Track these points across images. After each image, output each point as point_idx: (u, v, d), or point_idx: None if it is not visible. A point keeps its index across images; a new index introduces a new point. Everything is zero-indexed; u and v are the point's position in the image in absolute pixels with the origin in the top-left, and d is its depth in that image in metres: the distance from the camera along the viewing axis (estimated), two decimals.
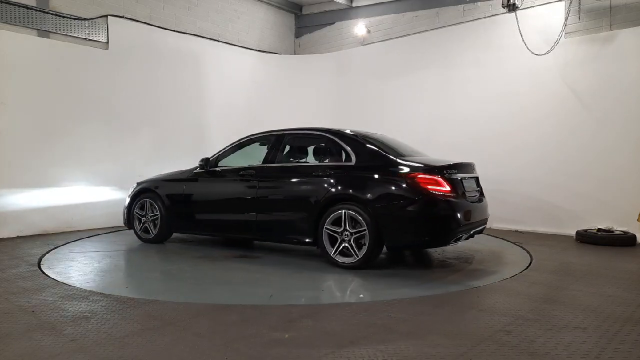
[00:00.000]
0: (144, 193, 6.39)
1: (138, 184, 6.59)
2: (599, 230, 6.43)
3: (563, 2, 7.07)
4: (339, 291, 4.31)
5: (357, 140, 5.20)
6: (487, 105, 7.88)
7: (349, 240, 4.80)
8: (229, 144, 6.06)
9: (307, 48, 10.85)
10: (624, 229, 6.40)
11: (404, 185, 4.65)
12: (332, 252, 4.90)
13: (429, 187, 4.60)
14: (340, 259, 4.87)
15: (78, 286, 4.21)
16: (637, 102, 6.50)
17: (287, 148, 5.73)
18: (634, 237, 6.19)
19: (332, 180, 4.99)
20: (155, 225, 6.28)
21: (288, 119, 8.31)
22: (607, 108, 6.76)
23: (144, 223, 6.36)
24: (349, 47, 10.01)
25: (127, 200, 6.55)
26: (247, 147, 6.00)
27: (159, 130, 8.53)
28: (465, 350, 2.76)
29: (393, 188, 4.70)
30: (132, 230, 6.57)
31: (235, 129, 9.08)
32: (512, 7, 7.12)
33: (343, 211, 4.82)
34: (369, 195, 4.74)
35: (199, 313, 3.48)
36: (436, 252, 5.75)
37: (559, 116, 7.17)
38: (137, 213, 6.40)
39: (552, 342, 2.89)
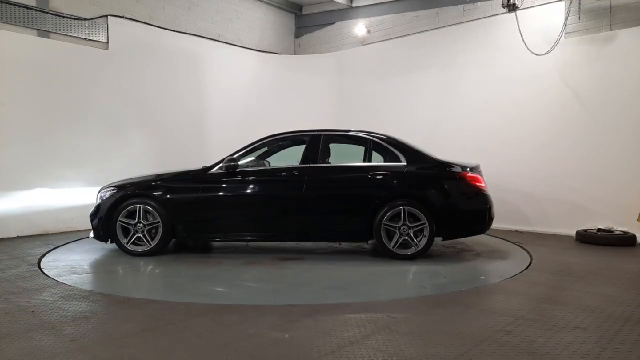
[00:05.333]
0: (132, 198, 5.48)
1: (117, 188, 5.60)
2: (599, 230, 6.43)
3: (563, 2, 7.06)
4: (456, 278, 4.54)
5: (402, 143, 5.62)
6: (487, 105, 7.88)
7: (408, 234, 5.22)
8: (248, 144, 5.76)
9: (307, 48, 10.84)
10: (624, 229, 6.40)
11: (458, 183, 5.33)
12: (391, 245, 5.25)
13: (477, 183, 5.33)
14: (399, 251, 5.26)
15: (78, 286, 4.21)
16: (637, 102, 6.50)
17: (327, 149, 5.73)
18: (634, 237, 6.19)
19: (388, 180, 5.36)
20: (152, 235, 5.45)
21: (288, 118, 8.30)
22: (607, 108, 6.75)
23: (134, 233, 5.45)
24: (349, 47, 10.00)
25: (99, 207, 5.55)
26: (260, 148, 5.83)
27: (159, 130, 8.52)
28: (465, 350, 2.76)
29: (449, 185, 5.33)
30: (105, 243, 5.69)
31: (235, 128, 9.13)
32: (512, 7, 7.11)
33: (402, 207, 5.21)
34: (427, 192, 5.30)
35: (199, 313, 3.48)
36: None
37: (558, 116, 7.17)
38: (122, 222, 5.43)
39: (552, 342, 2.89)
